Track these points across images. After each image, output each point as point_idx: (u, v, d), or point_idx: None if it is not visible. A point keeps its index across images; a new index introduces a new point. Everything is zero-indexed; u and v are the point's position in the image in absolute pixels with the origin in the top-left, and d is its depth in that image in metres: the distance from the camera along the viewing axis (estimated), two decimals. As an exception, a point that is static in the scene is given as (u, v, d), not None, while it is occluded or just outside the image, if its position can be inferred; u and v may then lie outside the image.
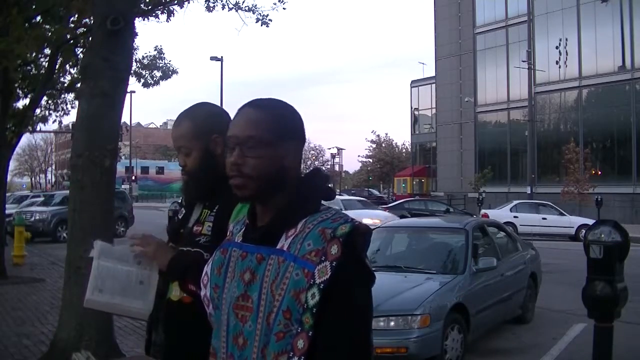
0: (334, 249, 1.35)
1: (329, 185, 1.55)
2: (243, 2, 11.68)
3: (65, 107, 15.46)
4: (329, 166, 60.39)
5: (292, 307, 1.34)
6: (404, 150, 66.75)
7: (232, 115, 1.64)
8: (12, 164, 24.74)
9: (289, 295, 1.35)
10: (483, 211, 25.29)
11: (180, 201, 2.27)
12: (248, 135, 1.45)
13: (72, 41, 11.26)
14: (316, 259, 1.35)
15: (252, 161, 1.44)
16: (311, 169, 1.60)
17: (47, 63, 12.00)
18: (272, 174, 1.45)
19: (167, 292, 1.97)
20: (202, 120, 2.01)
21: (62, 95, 15.09)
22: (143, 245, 1.94)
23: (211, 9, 11.81)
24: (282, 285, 1.36)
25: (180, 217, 2.12)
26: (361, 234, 1.40)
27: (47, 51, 11.79)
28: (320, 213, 1.43)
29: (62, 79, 14.11)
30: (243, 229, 1.55)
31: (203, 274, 1.59)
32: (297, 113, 1.55)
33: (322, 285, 1.33)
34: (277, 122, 1.47)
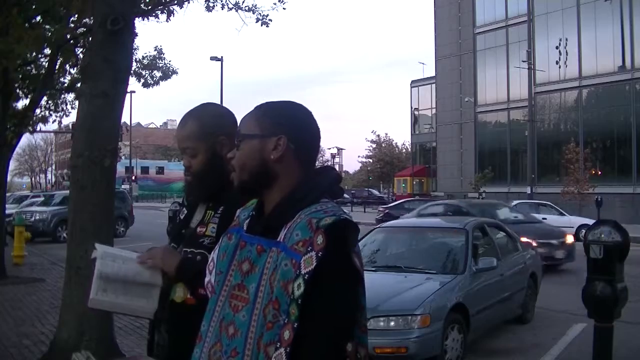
0: (320, 239, 1.35)
1: (336, 184, 1.54)
2: (243, 2, 11.66)
3: (65, 108, 15.45)
4: (329, 166, 60.27)
5: (281, 297, 1.35)
6: (404, 150, 66.75)
7: (237, 117, 1.74)
8: (12, 164, 24.74)
9: (279, 286, 1.36)
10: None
11: (181, 201, 2.25)
12: (237, 131, 1.56)
13: (72, 41, 11.25)
14: (303, 249, 1.35)
15: (238, 154, 1.53)
16: (323, 166, 1.61)
17: (47, 63, 11.99)
18: (252, 166, 1.50)
19: (171, 292, 1.96)
20: (208, 121, 1.98)
21: (62, 96, 15.07)
22: (151, 259, 1.93)
23: (211, 9, 11.80)
24: (277, 276, 1.37)
25: (181, 217, 2.10)
26: (346, 228, 1.39)
27: (47, 51, 11.78)
28: (316, 205, 1.43)
29: (62, 79, 14.10)
30: (249, 219, 1.56)
31: (210, 260, 1.61)
32: (295, 110, 1.55)
33: (306, 275, 1.33)
34: (262, 117, 1.52)
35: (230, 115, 2.06)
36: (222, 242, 1.59)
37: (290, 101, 1.58)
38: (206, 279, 1.60)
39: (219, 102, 31.09)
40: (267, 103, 1.57)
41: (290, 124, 1.51)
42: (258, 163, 1.49)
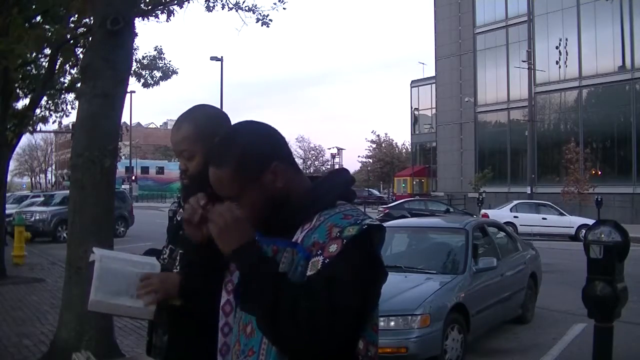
0: (333, 247, 1.36)
1: (351, 187, 1.56)
2: (243, 2, 11.66)
3: (65, 108, 15.48)
4: (329, 166, 60.39)
5: None
6: (404, 150, 66.73)
7: (237, 118, 1.70)
8: (12, 164, 24.78)
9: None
10: (483, 211, 25.28)
11: (178, 201, 2.24)
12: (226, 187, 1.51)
13: (72, 41, 11.26)
14: (314, 251, 1.38)
15: (243, 204, 1.48)
16: (336, 168, 1.63)
17: (47, 63, 12.00)
18: (266, 205, 1.49)
19: None
20: (204, 123, 1.95)
21: (62, 96, 15.10)
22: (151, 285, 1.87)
23: (211, 8, 11.79)
24: (293, 277, 1.39)
25: (178, 218, 2.09)
26: (370, 235, 1.40)
27: (47, 51, 11.79)
28: (335, 207, 1.46)
29: (62, 79, 14.11)
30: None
31: None
32: (260, 130, 1.53)
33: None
34: (242, 159, 1.48)
35: (224, 116, 2.03)
36: None
37: (247, 124, 1.55)
38: None
39: (218, 103, 31.02)
40: (233, 141, 1.51)
41: (268, 148, 1.50)
42: (268, 200, 1.49)
